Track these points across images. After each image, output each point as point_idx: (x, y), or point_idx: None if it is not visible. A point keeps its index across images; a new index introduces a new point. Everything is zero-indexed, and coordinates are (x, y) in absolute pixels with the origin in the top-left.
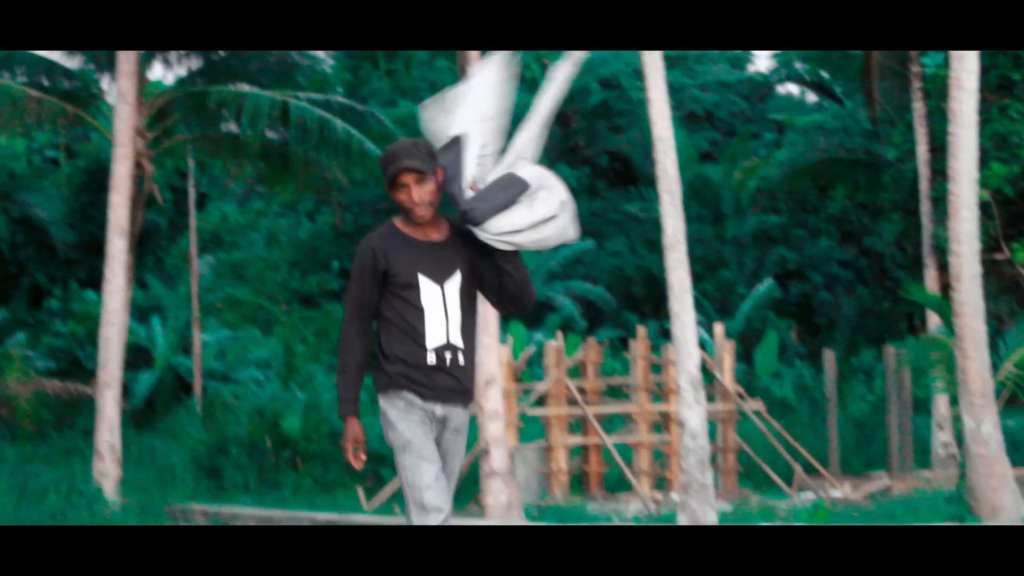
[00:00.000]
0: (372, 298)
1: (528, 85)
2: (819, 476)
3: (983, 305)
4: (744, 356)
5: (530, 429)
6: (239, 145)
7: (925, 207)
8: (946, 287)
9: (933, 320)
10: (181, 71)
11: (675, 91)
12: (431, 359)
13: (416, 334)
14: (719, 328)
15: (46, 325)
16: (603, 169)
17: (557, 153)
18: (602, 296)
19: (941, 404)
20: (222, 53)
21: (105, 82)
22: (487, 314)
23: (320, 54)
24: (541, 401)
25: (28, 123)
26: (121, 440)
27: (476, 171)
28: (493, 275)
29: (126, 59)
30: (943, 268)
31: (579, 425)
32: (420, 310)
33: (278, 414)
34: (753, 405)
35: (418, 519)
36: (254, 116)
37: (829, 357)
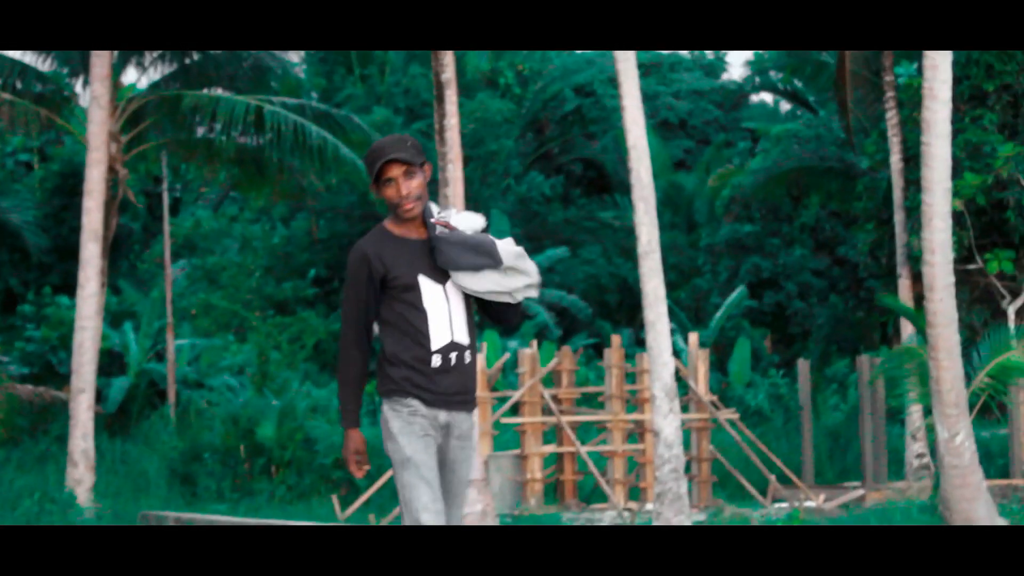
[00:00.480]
0: (369, 306)
1: (502, 91)
2: (793, 486)
3: (956, 315)
4: (718, 365)
5: (504, 438)
6: (213, 150)
7: (899, 217)
8: (920, 297)
9: (907, 330)
10: (155, 75)
11: (649, 99)
12: (436, 361)
13: (420, 336)
14: (693, 337)
15: (19, 330)
16: (577, 177)
17: (531, 160)
18: (576, 304)
19: (915, 414)
20: (196, 56)
21: (79, 85)
22: None
23: (294, 58)
24: (515, 410)
25: (1, 126)
26: (95, 446)
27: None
28: None
29: (100, 62)
30: (917, 278)
31: (553, 434)
32: (423, 312)
33: (252, 421)
34: (727, 414)
35: None
36: (229, 121)
37: (803, 366)
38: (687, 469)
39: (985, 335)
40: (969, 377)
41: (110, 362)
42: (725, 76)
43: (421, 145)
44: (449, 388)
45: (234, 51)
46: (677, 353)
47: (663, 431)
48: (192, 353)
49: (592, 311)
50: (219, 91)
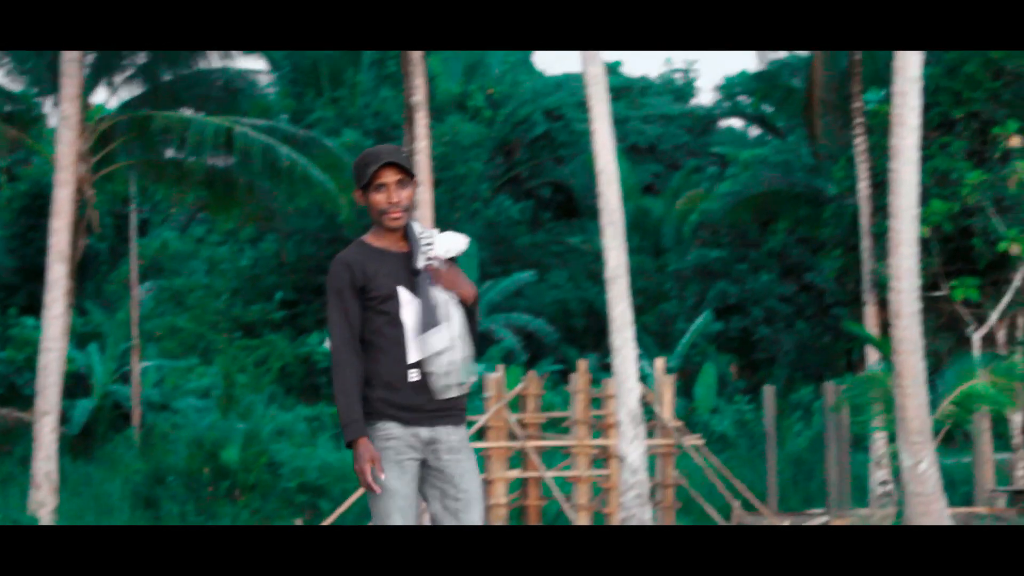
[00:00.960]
0: (356, 313)
1: (472, 114)
2: (757, 512)
3: (922, 342)
4: (684, 390)
5: None
6: (182, 171)
7: (866, 243)
8: (886, 324)
9: (872, 356)
10: (125, 95)
11: (618, 123)
12: (413, 376)
13: (397, 349)
14: (660, 362)
15: None
16: (546, 200)
17: (500, 184)
18: (543, 328)
19: (879, 441)
20: (166, 77)
21: (48, 105)
22: None
23: (264, 80)
24: (481, 434)
25: None
26: (58, 469)
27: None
28: None
29: (69, 83)
30: (883, 304)
31: (518, 459)
32: (400, 325)
33: (217, 444)
34: (692, 440)
35: None
36: (198, 142)
37: (768, 392)
38: (652, 495)
39: (950, 363)
40: (934, 404)
41: (75, 383)
42: (694, 101)
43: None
44: (428, 403)
45: (204, 72)
46: (643, 378)
47: (628, 457)
48: (158, 375)
49: (559, 336)
50: (189, 112)
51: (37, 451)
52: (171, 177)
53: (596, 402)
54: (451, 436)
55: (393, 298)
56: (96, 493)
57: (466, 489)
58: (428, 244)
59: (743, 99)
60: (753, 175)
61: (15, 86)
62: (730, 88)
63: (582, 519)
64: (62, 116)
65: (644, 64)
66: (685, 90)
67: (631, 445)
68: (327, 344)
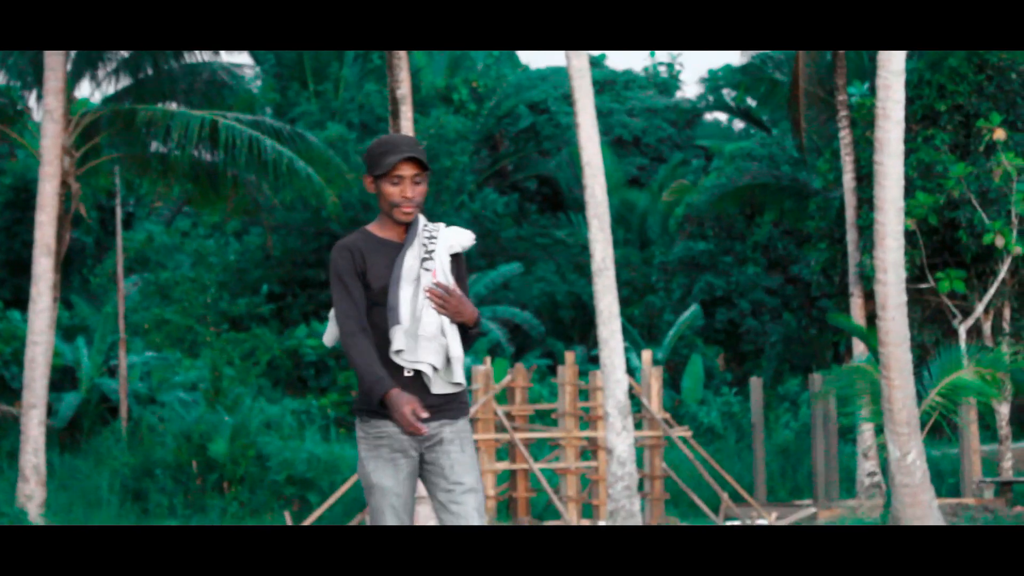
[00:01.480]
0: (360, 295)
1: (456, 107)
2: (745, 504)
3: (908, 334)
4: (671, 383)
5: None
6: (167, 164)
7: (851, 235)
8: (872, 316)
9: (858, 348)
10: (109, 89)
11: (603, 116)
12: (406, 371)
13: (390, 343)
14: (647, 355)
15: None
16: (531, 193)
17: (486, 177)
18: (530, 321)
19: (866, 433)
20: (150, 71)
21: (32, 99)
22: None
23: (248, 73)
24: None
25: None
26: (46, 462)
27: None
28: None
29: (53, 76)
30: (869, 296)
31: (506, 451)
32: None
33: (205, 437)
34: (680, 432)
35: None
36: (183, 135)
37: (755, 384)
38: (640, 487)
39: (936, 354)
40: (920, 396)
41: (62, 377)
42: (679, 94)
43: None
44: (423, 399)
45: (189, 66)
46: (631, 370)
47: (616, 448)
48: (144, 368)
49: (545, 328)
50: (173, 106)
51: (24, 444)
52: (156, 171)
53: (583, 394)
54: (448, 430)
55: (388, 290)
56: (84, 486)
57: (457, 481)
58: (431, 238)
59: (727, 92)
60: (738, 168)
61: None
62: (714, 81)
63: (571, 511)
64: (46, 110)
65: (628, 58)
66: (670, 83)
67: (619, 437)
68: (327, 336)
